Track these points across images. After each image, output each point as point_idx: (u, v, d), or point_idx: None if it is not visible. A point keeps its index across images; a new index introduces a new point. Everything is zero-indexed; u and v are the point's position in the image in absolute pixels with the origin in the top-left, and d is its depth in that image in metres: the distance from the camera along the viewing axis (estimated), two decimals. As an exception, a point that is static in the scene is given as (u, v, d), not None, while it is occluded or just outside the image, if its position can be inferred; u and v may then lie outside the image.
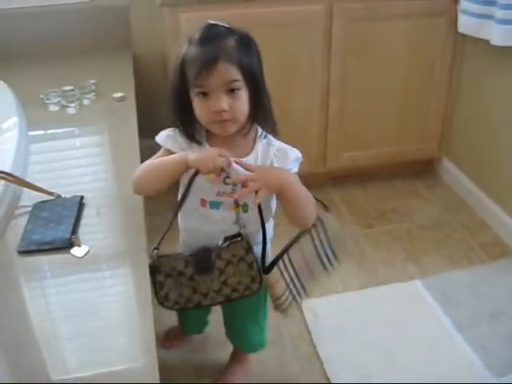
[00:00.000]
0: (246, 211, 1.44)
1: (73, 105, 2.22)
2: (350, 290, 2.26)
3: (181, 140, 1.44)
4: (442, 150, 2.98)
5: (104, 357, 1.12)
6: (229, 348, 1.92)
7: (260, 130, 1.45)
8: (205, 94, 1.32)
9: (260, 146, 1.44)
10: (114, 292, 1.32)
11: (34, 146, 1.93)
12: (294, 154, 1.45)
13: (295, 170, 1.44)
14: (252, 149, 1.44)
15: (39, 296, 1.31)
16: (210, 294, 1.45)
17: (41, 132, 2.05)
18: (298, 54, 2.55)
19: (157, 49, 2.88)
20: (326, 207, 1.55)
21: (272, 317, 1.79)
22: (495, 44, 2.31)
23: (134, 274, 1.36)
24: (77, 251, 1.38)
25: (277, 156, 1.43)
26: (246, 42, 1.35)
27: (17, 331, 1.17)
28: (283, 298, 1.54)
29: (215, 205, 1.44)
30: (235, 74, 1.31)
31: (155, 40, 2.85)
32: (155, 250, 1.43)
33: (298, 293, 1.58)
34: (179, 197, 1.47)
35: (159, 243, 1.44)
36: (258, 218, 1.41)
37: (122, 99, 2.22)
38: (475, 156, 2.77)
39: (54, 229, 1.44)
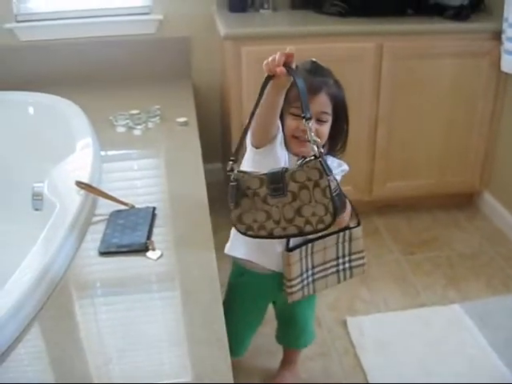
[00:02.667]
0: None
1: (139, 127, 2.41)
2: (393, 310, 2.38)
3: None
4: (483, 183, 3.08)
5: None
6: (278, 357, 2.05)
7: None
8: (298, 115, 1.44)
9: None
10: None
11: (106, 164, 2.10)
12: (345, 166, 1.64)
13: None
14: None
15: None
16: (282, 222, 1.37)
17: (111, 151, 2.24)
18: (348, 87, 2.69)
19: (214, 79, 3.07)
20: (358, 219, 1.63)
21: (319, 332, 1.92)
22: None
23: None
24: (151, 254, 1.54)
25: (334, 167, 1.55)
26: (339, 83, 1.56)
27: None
28: (294, 282, 1.58)
29: None
30: (328, 107, 1.51)
31: (213, 70, 3.05)
32: (232, 163, 1.42)
33: (308, 285, 1.63)
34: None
35: (236, 153, 1.44)
36: None
37: (185, 124, 2.40)
38: (515, 190, 2.87)
39: (131, 234, 1.60)
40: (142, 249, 1.55)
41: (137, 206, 1.77)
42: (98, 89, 2.82)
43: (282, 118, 1.48)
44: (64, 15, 2.91)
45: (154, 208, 1.75)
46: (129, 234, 1.61)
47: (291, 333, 1.96)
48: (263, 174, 1.38)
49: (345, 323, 2.30)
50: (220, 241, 1.65)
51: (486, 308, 2.38)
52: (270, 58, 1.30)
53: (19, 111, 2.55)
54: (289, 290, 1.59)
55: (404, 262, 2.71)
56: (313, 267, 1.62)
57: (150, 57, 2.99)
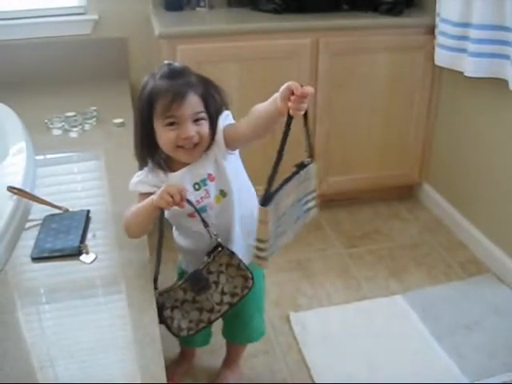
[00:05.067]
0: (225, 195, 1.56)
1: (75, 129, 2.37)
2: (336, 304, 2.40)
3: (150, 178, 1.55)
4: (423, 175, 3.15)
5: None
6: (220, 355, 2.06)
7: None
8: (172, 124, 1.46)
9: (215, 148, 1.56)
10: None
11: (40, 168, 2.05)
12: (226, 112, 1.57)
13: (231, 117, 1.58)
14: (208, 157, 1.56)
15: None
16: (215, 307, 1.53)
17: (46, 155, 2.20)
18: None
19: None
20: (312, 155, 1.53)
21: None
22: (469, 75, 2.49)
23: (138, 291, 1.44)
24: (85, 258, 1.52)
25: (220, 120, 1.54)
26: (202, 79, 1.52)
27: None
28: (268, 245, 1.42)
29: (203, 209, 1.54)
30: (200, 105, 1.48)
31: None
32: (155, 290, 1.49)
33: (275, 244, 1.47)
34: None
35: (155, 282, 1.50)
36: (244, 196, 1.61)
37: (122, 125, 2.37)
38: (453, 181, 2.93)
39: (64, 239, 1.58)
40: (75, 253, 1.53)
41: (72, 209, 1.75)
42: (32, 91, 2.76)
43: (152, 136, 1.50)
44: (-4, 16, 2.84)
45: (89, 211, 1.73)
46: (62, 239, 1.58)
47: (235, 326, 1.94)
48: (183, 282, 1.52)
49: (288, 319, 2.31)
50: (155, 243, 1.63)
51: (428, 298, 2.42)
52: (173, 192, 1.36)
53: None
54: (262, 254, 1.43)
55: (346, 255, 2.74)
56: (278, 219, 1.45)
57: (86, 58, 2.95)
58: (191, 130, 1.46)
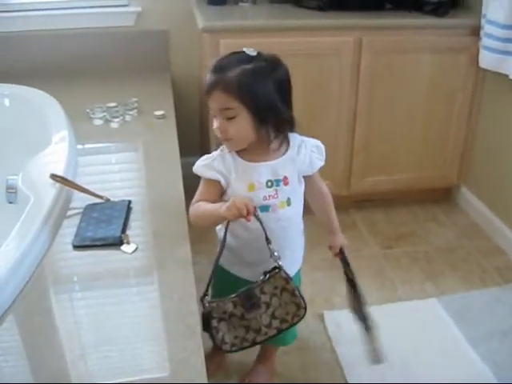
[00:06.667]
0: (289, 204, 1.59)
1: (116, 120, 2.39)
2: (370, 305, 2.37)
3: (215, 163, 1.57)
4: (461, 178, 3.10)
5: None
6: (255, 350, 2.04)
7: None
8: (214, 115, 1.52)
9: (295, 147, 1.60)
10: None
11: (82, 158, 2.07)
12: (322, 145, 1.66)
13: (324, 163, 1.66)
14: (284, 152, 1.59)
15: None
16: (263, 329, 1.51)
17: (87, 145, 2.21)
18: (327, 81, 2.70)
19: (192, 72, 3.05)
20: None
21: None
22: (513, 78, 2.45)
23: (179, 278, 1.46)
24: (126, 248, 1.52)
25: (314, 152, 1.62)
26: (257, 71, 1.47)
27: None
28: None
29: (264, 208, 1.56)
30: (229, 102, 1.46)
31: (191, 63, 3.03)
32: (206, 297, 1.50)
33: None
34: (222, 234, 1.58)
35: (207, 289, 1.51)
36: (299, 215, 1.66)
37: (162, 117, 2.38)
38: (492, 185, 2.88)
39: (105, 228, 1.59)
40: (117, 242, 1.54)
41: (112, 199, 1.76)
42: (74, 81, 2.79)
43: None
44: (41, 6, 2.87)
45: (130, 201, 1.74)
46: (103, 228, 1.59)
47: None
48: (235, 297, 1.50)
49: (322, 317, 2.30)
50: (195, 234, 1.64)
51: (463, 302, 2.39)
52: (241, 206, 1.41)
53: (-6, 103, 2.51)
54: None
55: (381, 256, 2.72)
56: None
57: (128, 49, 2.96)
58: (218, 124, 1.50)
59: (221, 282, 1.63)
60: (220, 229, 1.68)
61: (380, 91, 2.78)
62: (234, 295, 1.51)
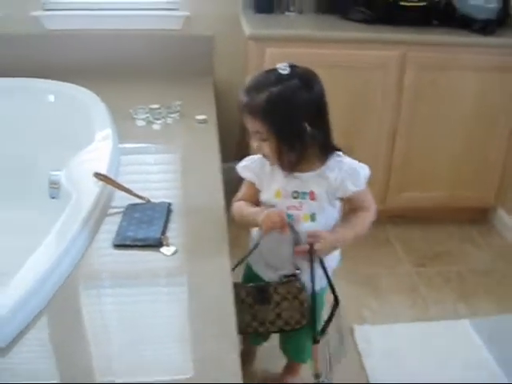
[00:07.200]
0: (314, 220, 1.59)
1: (158, 122, 2.40)
2: (401, 322, 2.36)
3: (254, 166, 1.65)
4: (499, 199, 3.06)
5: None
6: (282, 359, 2.04)
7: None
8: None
9: (330, 164, 1.57)
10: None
11: (123, 157, 2.09)
12: (364, 172, 1.59)
13: (363, 187, 1.59)
14: (315, 169, 1.57)
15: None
16: (266, 323, 1.63)
17: (129, 144, 2.23)
18: (369, 95, 2.69)
19: (235, 78, 3.06)
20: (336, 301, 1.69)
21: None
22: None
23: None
24: (166, 250, 1.53)
25: (349, 174, 1.56)
26: (284, 95, 1.45)
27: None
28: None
29: (289, 216, 1.57)
30: (258, 126, 1.49)
31: (234, 70, 3.04)
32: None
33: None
34: None
35: (234, 268, 1.56)
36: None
37: (204, 121, 2.39)
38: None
39: (146, 229, 1.60)
40: (157, 244, 1.55)
41: (152, 200, 1.77)
42: (119, 81, 2.82)
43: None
44: (91, 6, 2.91)
45: (170, 203, 1.75)
46: (144, 228, 1.60)
47: (291, 346, 1.94)
48: (250, 286, 1.65)
49: (352, 331, 2.29)
50: (233, 239, 1.64)
51: (496, 326, 2.36)
52: (275, 220, 1.52)
53: (40, 99, 2.55)
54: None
55: (415, 274, 2.69)
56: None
57: (173, 53, 2.99)
58: (254, 143, 1.55)
59: (243, 275, 1.80)
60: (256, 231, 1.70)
61: (422, 107, 2.76)
62: (249, 285, 1.65)
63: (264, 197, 1.64)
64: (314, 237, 1.55)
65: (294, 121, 1.47)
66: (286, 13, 2.93)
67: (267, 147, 1.51)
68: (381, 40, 2.64)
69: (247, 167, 1.66)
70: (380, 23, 2.76)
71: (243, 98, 1.50)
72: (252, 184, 1.66)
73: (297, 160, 1.52)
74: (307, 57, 2.58)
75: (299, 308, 1.62)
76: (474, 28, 2.76)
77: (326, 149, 1.56)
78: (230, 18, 2.95)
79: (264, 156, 1.57)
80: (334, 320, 1.69)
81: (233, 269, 1.54)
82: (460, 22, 2.80)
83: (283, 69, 1.47)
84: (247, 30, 2.58)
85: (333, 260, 1.73)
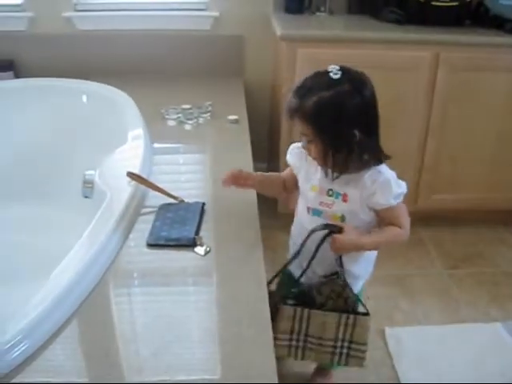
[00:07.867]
0: (343, 221, 1.57)
1: (190, 122, 2.42)
2: (433, 324, 2.34)
3: (296, 152, 1.67)
4: (531, 201, 3.03)
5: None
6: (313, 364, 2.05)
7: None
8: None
9: (370, 172, 1.54)
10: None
11: (156, 156, 2.11)
12: (399, 188, 1.55)
13: (394, 203, 1.54)
14: (359, 172, 1.54)
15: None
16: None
17: (161, 144, 2.24)
18: (401, 95, 2.67)
19: (265, 78, 3.07)
20: (367, 309, 1.63)
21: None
22: None
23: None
24: (199, 250, 1.54)
25: (381, 187, 1.53)
26: (335, 100, 1.43)
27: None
28: (280, 336, 1.60)
29: (317, 212, 1.60)
30: (305, 129, 1.48)
31: (264, 70, 3.05)
32: (268, 285, 1.53)
33: (297, 349, 1.64)
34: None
35: (270, 282, 1.58)
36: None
37: (235, 122, 2.40)
38: None
39: (179, 229, 1.61)
40: (190, 244, 1.56)
41: (185, 200, 1.77)
42: (150, 81, 2.84)
43: None
44: (122, 6, 2.94)
45: (204, 203, 1.75)
46: (177, 228, 1.61)
47: None
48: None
49: (383, 333, 2.27)
50: (266, 240, 1.64)
51: (530, 329, 2.33)
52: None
53: (73, 98, 2.57)
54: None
55: (447, 275, 2.67)
56: (306, 335, 1.62)
57: (203, 53, 3.00)
58: (303, 144, 1.56)
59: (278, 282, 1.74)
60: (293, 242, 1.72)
61: (454, 108, 2.73)
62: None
63: (301, 185, 1.66)
64: (338, 227, 1.53)
65: (342, 127, 1.46)
66: (317, 13, 2.93)
67: (314, 150, 1.51)
68: (413, 40, 2.62)
69: (291, 152, 1.70)
70: (412, 23, 2.74)
71: (292, 99, 1.48)
72: (291, 167, 1.72)
73: (342, 165, 1.51)
74: (339, 57, 2.54)
75: (344, 307, 1.59)
76: (506, 28, 2.72)
77: (371, 156, 1.53)
78: (259, 18, 2.96)
79: (310, 156, 1.56)
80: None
81: (269, 282, 1.54)
82: (492, 22, 2.78)
83: (335, 73, 1.45)
84: (278, 30, 2.57)
85: (366, 270, 1.74)
